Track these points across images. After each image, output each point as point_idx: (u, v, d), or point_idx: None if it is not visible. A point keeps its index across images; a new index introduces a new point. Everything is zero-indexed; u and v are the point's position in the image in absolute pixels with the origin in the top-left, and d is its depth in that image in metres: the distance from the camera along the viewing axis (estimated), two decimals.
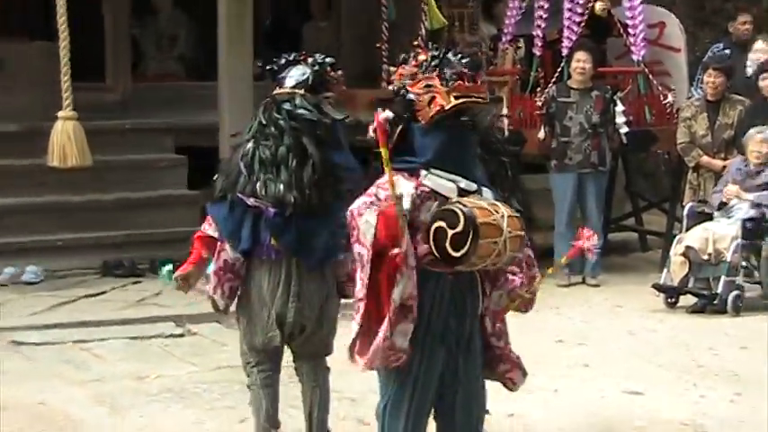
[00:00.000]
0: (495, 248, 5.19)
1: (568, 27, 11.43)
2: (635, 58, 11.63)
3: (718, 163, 11.11)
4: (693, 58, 12.74)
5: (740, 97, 11.38)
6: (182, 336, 9.69)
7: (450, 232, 5.15)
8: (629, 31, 11.61)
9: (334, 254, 6.45)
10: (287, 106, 6.34)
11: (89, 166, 9.93)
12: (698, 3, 14.85)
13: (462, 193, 5.34)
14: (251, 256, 6.48)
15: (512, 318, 7.91)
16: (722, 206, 10.60)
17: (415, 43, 9.92)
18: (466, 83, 5.41)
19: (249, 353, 6.69)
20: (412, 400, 5.42)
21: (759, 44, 11.81)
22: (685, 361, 9.28)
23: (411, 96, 5.40)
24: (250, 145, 6.40)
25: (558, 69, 11.45)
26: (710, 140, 11.19)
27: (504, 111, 11.21)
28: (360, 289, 5.29)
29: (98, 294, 10.51)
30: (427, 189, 5.31)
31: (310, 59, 6.56)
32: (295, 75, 6.46)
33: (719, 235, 10.59)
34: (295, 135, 6.29)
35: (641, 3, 11.58)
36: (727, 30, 13.38)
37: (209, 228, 6.51)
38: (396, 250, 5.06)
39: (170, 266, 8.09)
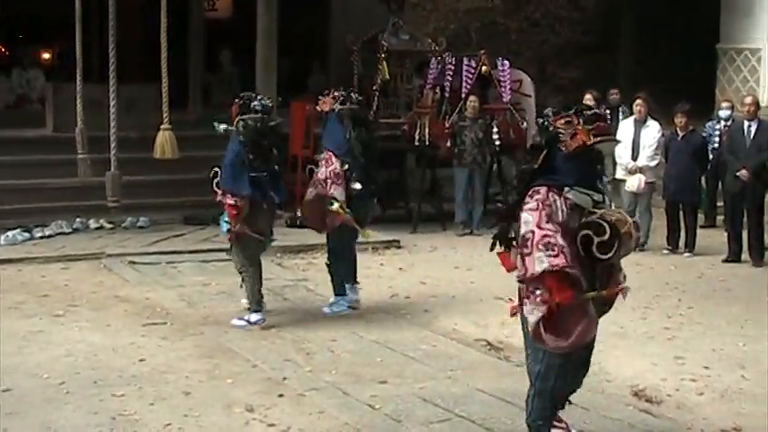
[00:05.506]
0: (628, 250, 5.72)
1: (465, 80, 14.58)
2: (505, 100, 14.76)
3: None
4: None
5: None
6: (229, 260, 10.33)
7: (597, 240, 5.55)
8: (501, 84, 14.79)
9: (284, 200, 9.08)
10: (264, 122, 8.79)
11: (177, 158, 12.78)
12: (540, 68, 17.45)
13: (595, 204, 5.74)
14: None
15: (422, 254, 12.32)
16: None
17: (374, 88, 14.08)
18: (602, 124, 5.79)
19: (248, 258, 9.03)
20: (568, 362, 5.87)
21: (587, 96, 14.12)
22: None
23: (556, 130, 5.73)
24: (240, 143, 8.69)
25: (459, 106, 14.44)
26: None
27: (426, 130, 14.39)
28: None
29: (181, 235, 13.11)
30: (572, 202, 5.67)
31: (259, 97, 9.01)
32: (258, 106, 8.80)
33: None
34: (273, 134, 8.82)
35: (509, 67, 14.87)
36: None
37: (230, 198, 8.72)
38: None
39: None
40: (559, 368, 5.81)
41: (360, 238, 9.83)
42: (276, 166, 8.82)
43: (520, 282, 5.74)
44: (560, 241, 5.51)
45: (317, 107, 9.66)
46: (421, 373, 7.61)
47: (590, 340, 5.77)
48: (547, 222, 5.56)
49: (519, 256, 5.67)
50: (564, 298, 5.47)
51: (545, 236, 5.51)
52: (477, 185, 14.35)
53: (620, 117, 14.39)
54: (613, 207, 6.01)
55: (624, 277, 5.99)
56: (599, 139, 5.67)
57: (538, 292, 5.50)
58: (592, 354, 6.13)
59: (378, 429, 6.50)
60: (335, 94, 9.50)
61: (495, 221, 6.14)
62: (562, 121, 5.72)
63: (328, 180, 9.13)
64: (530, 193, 5.67)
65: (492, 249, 5.97)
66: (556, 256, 5.45)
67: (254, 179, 8.67)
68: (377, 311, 9.50)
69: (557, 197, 5.64)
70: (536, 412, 5.98)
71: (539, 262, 5.48)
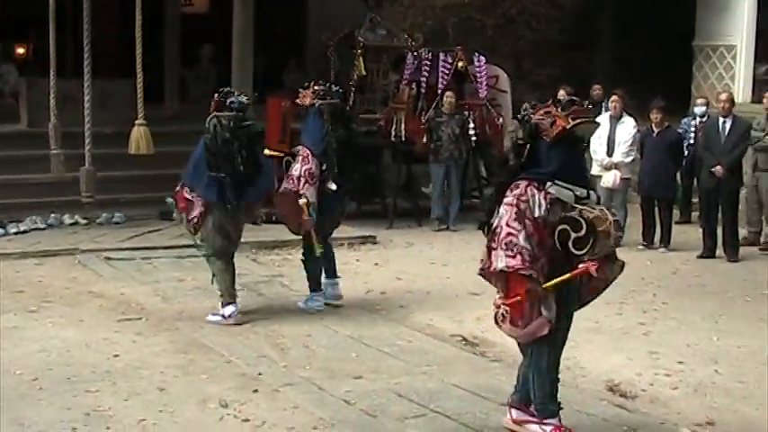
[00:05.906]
0: (605, 247, 5.74)
1: (442, 76, 14.65)
2: (481, 95, 14.85)
3: None
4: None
5: None
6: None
7: (573, 235, 5.61)
8: (478, 79, 14.88)
9: (255, 200, 9.06)
10: (238, 120, 8.82)
11: (153, 154, 12.81)
12: (517, 64, 17.65)
13: (577, 200, 5.75)
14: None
15: (398, 249, 12.40)
16: None
17: (351, 83, 14.09)
18: (579, 108, 5.86)
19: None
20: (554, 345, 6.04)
21: (561, 92, 14.28)
22: None
23: (536, 121, 5.80)
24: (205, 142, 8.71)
25: (435, 101, 14.53)
26: None
27: (402, 126, 14.33)
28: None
29: (156, 230, 13.10)
30: (552, 196, 5.72)
31: (236, 94, 8.96)
32: (234, 104, 8.79)
33: None
34: (244, 134, 8.76)
35: (485, 63, 14.95)
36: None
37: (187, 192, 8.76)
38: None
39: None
40: (550, 344, 5.94)
41: (333, 234, 9.88)
42: (242, 168, 8.68)
43: (480, 275, 5.90)
44: (522, 242, 5.59)
45: (298, 100, 9.57)
46: (396, 368, 7.63)
47: (541, 336, 5.85)
48: (515, 221, 5.63)
49: (486, 248, 5.78)
50: (516, 296, 5.63)
51: (509, 234, 5.61)
52: (453, 181, 14.41)
53: (603, 112, 14.31)
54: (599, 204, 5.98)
55: (621, 268, 6.10)
56: (578, 121, 5.73)
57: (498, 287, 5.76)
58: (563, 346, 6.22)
59: (353, 425, 6.50)
60: (316, 88, 9.40)
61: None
62: (541, 111, 5.81)
63: (301, 179, 9.05)
64: (511, 186, 5.74)
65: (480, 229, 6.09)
66: (513, 257, 5.58)
67: (213, 179, 8.62)
68: (352, 307, 9.49)
69: (536, 191, 5.67)
70: (538, 391, 6.08)
71: (499, 259, 5.63)
